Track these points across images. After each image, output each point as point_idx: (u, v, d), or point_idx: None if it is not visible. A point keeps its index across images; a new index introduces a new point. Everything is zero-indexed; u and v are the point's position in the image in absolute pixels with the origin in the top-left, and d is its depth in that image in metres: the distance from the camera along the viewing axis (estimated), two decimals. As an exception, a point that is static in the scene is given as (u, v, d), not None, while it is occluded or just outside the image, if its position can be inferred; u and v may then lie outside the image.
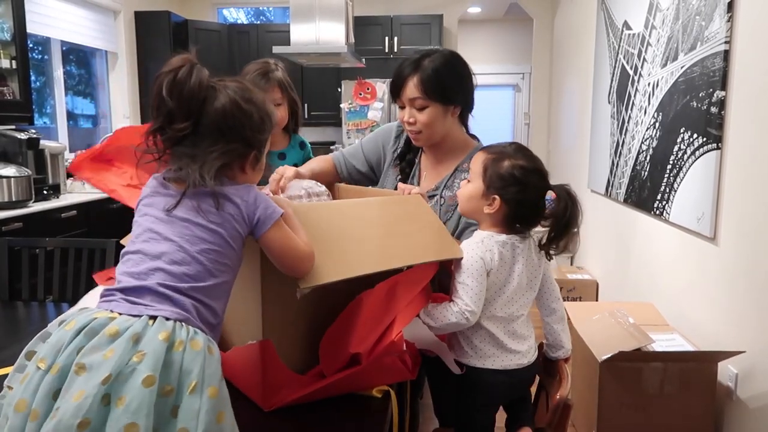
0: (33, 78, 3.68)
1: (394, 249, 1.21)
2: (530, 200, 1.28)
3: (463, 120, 1.67)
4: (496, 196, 1.27)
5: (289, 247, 1.03)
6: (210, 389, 0.87)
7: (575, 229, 1.30)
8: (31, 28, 3.65)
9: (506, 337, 1.32)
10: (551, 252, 1.32)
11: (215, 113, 1.00)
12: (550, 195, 1.31)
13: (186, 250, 0.95)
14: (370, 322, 1.11)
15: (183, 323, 0.91)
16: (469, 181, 1.34)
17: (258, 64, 1.96)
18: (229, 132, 1.01)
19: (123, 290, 0.94)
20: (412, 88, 1.54)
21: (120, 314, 0.89)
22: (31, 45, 3.65)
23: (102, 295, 0.95)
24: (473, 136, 1.72)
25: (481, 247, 1.28)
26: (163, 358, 0.85)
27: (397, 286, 1.16)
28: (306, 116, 5.65)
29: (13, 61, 3.46)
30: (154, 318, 0.89)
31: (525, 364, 1.34)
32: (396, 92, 1.58)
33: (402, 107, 1.59)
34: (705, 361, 2.14)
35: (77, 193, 3.87)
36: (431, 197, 1.61)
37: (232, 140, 1.01)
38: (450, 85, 1.55)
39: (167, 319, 0.90)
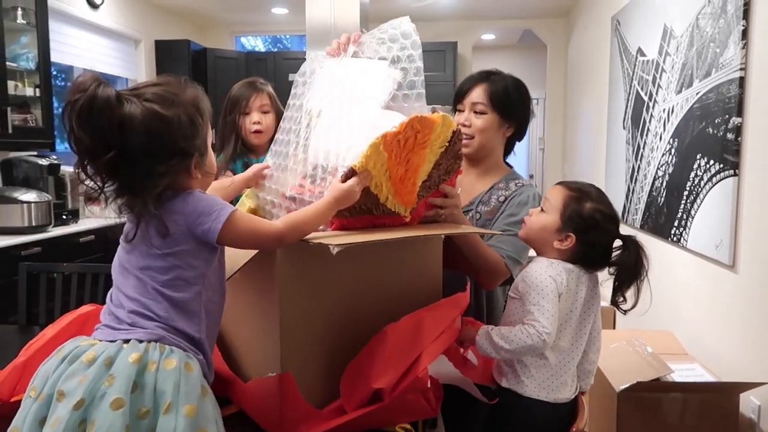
0: (55, 104, 3.77)
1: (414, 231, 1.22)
2: (602, 245, 1.29)
3: (509, 146, 1.72)
4: (572, 235, 1.28)
5: (250, 238, 0.98)
6: (186, 407, 0.86)
7: (642, 280, 1.29)
8: (54, 57, 3.75)
9: (563, 369, 1.29)
10: (622, 307, 1.30)
11: (138, 134, 0.89)
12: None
13: (141, 279, 0.95)
14: (394, 357, 1.08)
15: (157, 342, 0.91)
16: (543, 210, 1.34)
17: (246, 80, 2.06)
18: (159, 151, 0.91)
19: (106, 316, 0.97)
20: (478, 93, 1.60)
21: (100, 340, 0.91)
22: (54, 72, 3.75)
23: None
24: (508, 165, 1.74)
25: (551, 270, 1.27)
26: (134, 379, 0.85)
27: (423, 321, 1.13)
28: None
29: (37, 89, 3.55)
30: (128, 341, 0.90)
31: (570, 398, 1.32)
32: (460, 96, 1.64)
33: (461, 111, 1.63)
34: (726, 392, 2.09)
35: (95, 218, 3.93)
36: (466, 212, 1.60)
37: (166, 158, 0.92)
38: (513, 102, 1.61)
39: (140, 341, 0.90)
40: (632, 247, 1.28)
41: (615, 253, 1.31)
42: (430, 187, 1.27)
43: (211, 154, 1.04)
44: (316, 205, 1.06)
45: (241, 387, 1.12)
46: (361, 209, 1.14)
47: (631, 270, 1.28)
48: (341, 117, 1.18)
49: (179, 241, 0.95)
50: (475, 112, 1.59)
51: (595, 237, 1.28)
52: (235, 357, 1.22)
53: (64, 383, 0.85)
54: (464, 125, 1.60)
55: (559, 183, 1.37)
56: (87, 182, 0.92)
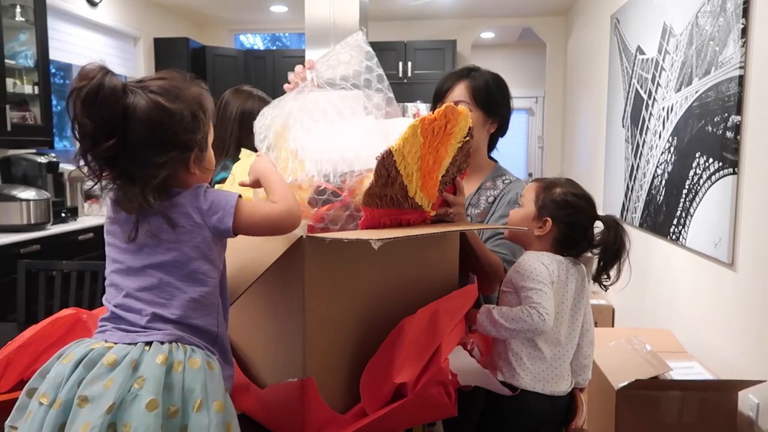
0: (54, 102, 3.76)
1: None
2: (580, 224, 1.33)
3: (493, 142, 1.70)
4: (548, 219, 1.33)
5: (259, 223, 0.97)
6: (216, 404, 0.88)
7: (624, 258, 1.33)
8: (53, 55, 3.74)
9: (559, 362, 1.31)
10: (604, 283, 1.35)
11: (140, 124, 0.90)
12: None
13: (152, 275, 0.94)
14: (414, 350, 1.06)
15: (178, 343, 0.91)
16: (521, 204, 1.39)
17: (249, 92, 2.12)
18: (160, 142, 0.92)
19: (111, 320, 0.94)
20: (461, 91, 1.57)
21: (115, 343, 0.90)
22: (53, 70, 3.75)
23: (98, 327, 0.96)
24: (492, 159, 1.73)
25: (543, 258, 1.31)
26: (164, 380, 0.86)
27: (438, 313, 1.12)
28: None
29: (36, 87, 3.54)
30: (149, 343, 0.89)
31: (566, 391, 1.33)
32: (441, 94, 1.60)
33: None
34: (725, 390, 2.09)
35: (94, 216, 3.92)
36: None
37: (166, 149, 0.93)
38: (496, 98, 1.59)
39: (161, 342, 0.90)
40: (612, 225, 1.33)
41: (597, 238, 1.36)
42: (446, 183, 1.26)
43: (211, 152, 1.04)
44: (271, 179, 1.04)
45: (255, 393, 1.10)
46: (391, 200, 1.12)
47: (613, 248, 1.32)
48: (329, 131, 1.16)
49: (194, 234, 0.94)
50: None
51: (570, 216, 1.33)
52: (248, 363, 1.19)
53: (86, 388, 0.84)
54: None
55: (533, 180, 1.43)
56: (85, 169, 0.93)
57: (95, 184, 0.94)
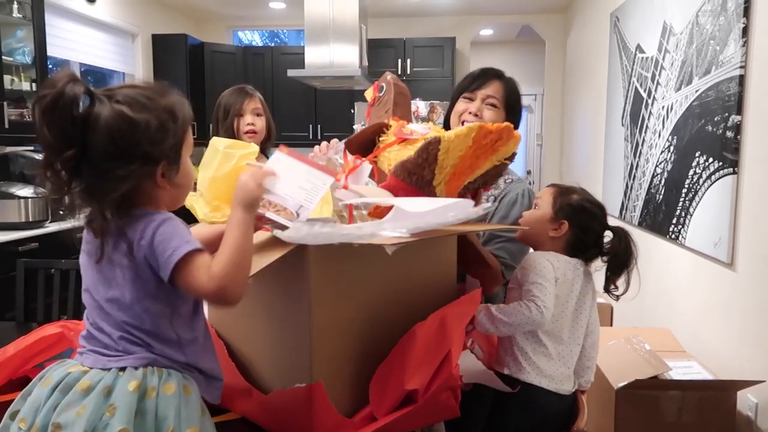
0: (52, 100, 3.75)
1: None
2: (593, 230, 1.38)
3: None
4: (564, 221, 1.37)
5: (192, 290, 0.88)
6: (190, 431, 0.86)
7: (633, 267, 1.37)
8: (51, 51, 3.72)
9: (563, 360, 1.33)
10: (615, 293, 1.38)
11: (100, 134, 0.84)
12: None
13: (107, 312, 0.90)
14: (425, 356, 1.06)
15: (153, 367, 0.88)
16: (537, 206, 1.43)
17: (235, 87, 2.17)
18: (120, 153, 0.85)
19: (88, 339, 0.92)
20: (497, 88, 1.62)
21: (91, 368, 0.88)
22: (50, 66, 3.73)
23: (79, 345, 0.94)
24: None
25: (548, 256, 1.34)
26: (135, 407, 0.84)
27: (446, 319, 1.12)
28: (319, 137, 5.70)
29: (33, 84, 3.52)
30: (123, 368, 0.87)
31: (570, 391, 1.35)
32: (476, 84, 1.63)
33: (470, 100, 1.63)
34: (724, 390, 2.10)
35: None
36: None
37: (126, 162, 0.86)
38: (519, 108, 1.67)
39: (135, 367, 0.87)
40: (622, 235, 1.38)
41: (607, 246, 1.40)
42: (468, 189, 1.28)
43: (188, 165, 0.96)
44: (232, 234, 0.90)
45: (258, 398, 1.09)
46: (418, 180, 1.14)
47: (622, 257, 1.37)
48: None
49: (141, 266, 0.88)
50: (488, 105, 1.61)
51: (585, 221, 1.38)
52: (249, 367, 1.18)
53: (60, 415, 0.82)
54: (476, 115, 1.61)
55: (549, 185, 1.48)
56: (50, 179, 0.87)
57: (62, 196, 0.87)
